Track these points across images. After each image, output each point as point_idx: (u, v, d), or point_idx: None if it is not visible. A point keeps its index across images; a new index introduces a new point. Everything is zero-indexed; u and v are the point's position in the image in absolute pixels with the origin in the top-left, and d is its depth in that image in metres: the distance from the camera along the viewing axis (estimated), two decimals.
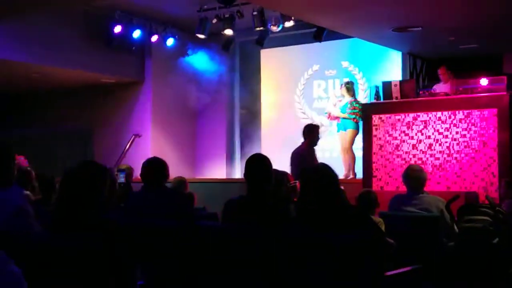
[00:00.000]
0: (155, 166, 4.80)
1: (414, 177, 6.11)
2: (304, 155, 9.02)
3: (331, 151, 12.58)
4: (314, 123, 9.77)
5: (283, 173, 5.95)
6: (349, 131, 10.54)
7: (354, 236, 3.61)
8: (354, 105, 10.45)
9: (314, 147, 9.41)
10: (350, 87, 10.80)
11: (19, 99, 15.17)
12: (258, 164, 4.37)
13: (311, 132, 9.38)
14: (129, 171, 7.21)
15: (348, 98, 10.69)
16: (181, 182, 6.93)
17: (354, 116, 10.41)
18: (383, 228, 5.43)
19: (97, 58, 12.50)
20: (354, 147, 10.73)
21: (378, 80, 10.47)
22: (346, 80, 11.39)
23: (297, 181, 5.27)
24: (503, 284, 5.68)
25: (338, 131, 10.98)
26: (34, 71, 12.32)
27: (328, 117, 11.18)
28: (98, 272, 3.11)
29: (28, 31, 11.20)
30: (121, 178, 6.79)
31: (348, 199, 6.20)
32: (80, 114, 14.27)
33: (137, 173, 5.55)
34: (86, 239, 3.16)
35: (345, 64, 13.14)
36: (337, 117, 10.82)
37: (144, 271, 4.19)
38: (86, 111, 14.19)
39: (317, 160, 9.11)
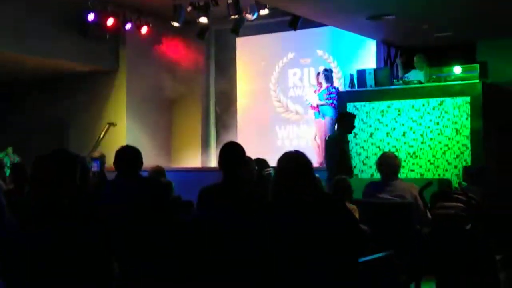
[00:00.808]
0: (128, 155, 4.76)
1: (387, 164, 6.17)
2: (337, 142, 8.75)
3: (307, 139, 12.62)
4: (348, 111, 9.48)
5: (260, 160, 5.97)
6: (327, 118, 10.57)
7: (330, 223, 3.63)
8: (331, 90, 10.52)
9: (347, 135, 8.99)
10: (328, 75, 10.89)
11: None
12: (232, 151, 4.37)
13: (343, 120, 8.89)
14: (102, 159, 7.14)
15: (326, 85, 10.77)
16: (158, 171, 6.89)
17: (331, 101, 10.45)
18: (357, 215, 5.46)
19: (71, 46, 12.37)
20: None
21: (353, 68, 10.51)
22: (323, 68, 11.43)
23: (271, 169, 5.29)
24: (475, 270, 5.75)
25: (316, 118, 11.04)
26: (7, 59, 12.16)
27: (312, 107, 11.24)
28: (80, 262, 3.11)
29: (0, 19, 11.04)
30: (95, 167, 6.72)
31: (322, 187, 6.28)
32: (55, 103, 14.10)
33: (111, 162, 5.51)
34: (55, 232, 3.15)
35: (320, 52, 13.16)
36: (317, 106, 10.92)
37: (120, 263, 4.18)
38: (61, 100, 14.03)
39: (346, 149, 8.80)
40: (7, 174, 8.16)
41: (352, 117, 8.80)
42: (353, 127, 8.80)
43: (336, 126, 8.80)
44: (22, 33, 11.43)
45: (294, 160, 3.80)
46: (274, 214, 3.78)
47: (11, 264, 3.11)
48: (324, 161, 8.51)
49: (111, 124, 13.21)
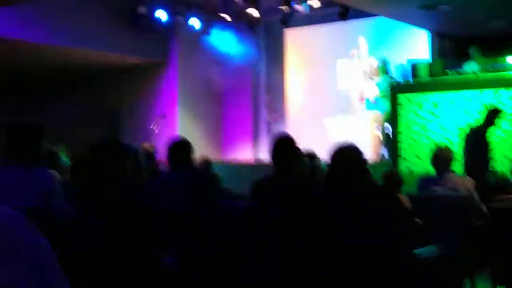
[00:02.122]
0: (181, 147, 4.77)
1: (441, 157, 6.05)
2: (482, 135, 8.11)
3: (356, 131, 12.51)
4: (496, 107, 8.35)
5: (310, 153, 5.95)
6: (383, 110, 10.47)
7: (381, 214, 3.60)
8: (390, 81, 10.41)
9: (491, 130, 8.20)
10: (385, 67, 10.81)
11: (46, 81, 15.26)
12: (284, 145, 4.35)
13: (491, 114, 8.12)
14: (152, 150, 7.20)
15: (382, 77, 10.68)
16: (206, 162, 6.93)
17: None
18: (408, 205, 5.40)
19: (122, 39, 12.52)
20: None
21: (404, 59, 10.36)
22: (380, 58, 11.32)
23: (319, 159, 5.26)
24: None
25: (371, 109, 10.99)
26: (61, 53, 12.37)
27: (360, 99, 11.17)
28: (117, 251, 3.14)
29: (53, 12, 11.23)
30: (148, 158, 6.77)
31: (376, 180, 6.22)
32: (107, 95, 14.34)
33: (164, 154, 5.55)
34: (109, 220, 3.19)
35: (371, 43, 13.01)
36: (367, 98, 10.86)
37: (172, 251, 4.21)
38: (113, 92, 14.26)
39: (489, 143, 8.13)
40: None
41: (499, 112, 8.12)
42: (494, 123, 8.10)
43: (484, 119, 8.02)
44: (73, 26, 11.61)
45: (346, 153, 3.77)
46: (325, 206, 3.76)
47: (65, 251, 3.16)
48: (466, 154, 7.84)
49: (162, 116, 13.34)
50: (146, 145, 7.72)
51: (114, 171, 3.35)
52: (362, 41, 13.12)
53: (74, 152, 6.66)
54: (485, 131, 7.90)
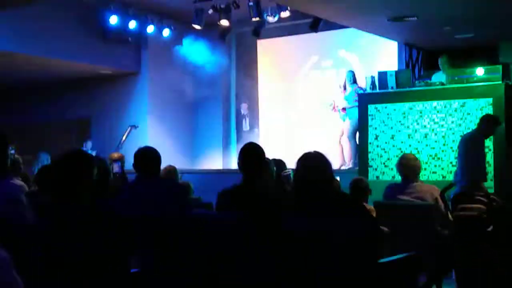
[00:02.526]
0: (149, 156, 4.77)
1: (408, 165, 6.13)
2: (476, 142, 7.89)
3: (327, 141, 12.60)
4: (493, 115, 8.23)
5: (279, 161, 5.97)
6: (354, 120, 10.56)
7: (349, 224, 3.63)
8: (359, 91, 10.51)
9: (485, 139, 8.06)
10: (352, 76, 10.95)
11: (17, 90, 15.16)
12: (251, 153, 4.38)
13: (487, 123, 7.92)
14: (122, 161, 7.17)
15: (352, 87, 10.80)
16: (171, 171, 6.87)
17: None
18: (374, 215, 5.45)
19: (94, 49, 12.50)
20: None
21: (374, 70, 10.47)
22: (349, 69, 11.46)
23: (290, 170, 5.29)
24: (497, 272, 5.71)
25: (343, 120, 11.09)
26: (32, 62, 12.31)
27: (333, 109, 11.26)
28: (94, 261, 3.15)
29: (25, 22, 11.19)
30: (116, 168, 6.74)
31: (344, 189, 6.27)
32: (77, 104, 14.29)
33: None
34: (71, 230, 3.20)
35: (341, 54, 13.14)
36: (343, 108, 10.97)
37: (140, 259, 4.21)
38: (84, 102, 14.21)
39: (484, 151, 7.99)
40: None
41: (497, 123, 7.96)
42: (492, 134, 8.03)
43: (478, 127, 7.90)
44: (46, 36, 11.58)
45: (312, 161, 3.80)
46: (291, 215, 3.78)
47: (30, 260, 3.16)
48: (460, 161, 7.70)
49: (133, 127, 13.31)
50: (115, 154, 7.69)
51: (81, 181, 3.36)
52: (333, 52, 13.25)
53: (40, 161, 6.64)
54: (482, 139, 7.84)
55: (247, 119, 13.53)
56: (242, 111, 13.64)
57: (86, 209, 3.33)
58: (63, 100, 14.45)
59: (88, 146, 13.09)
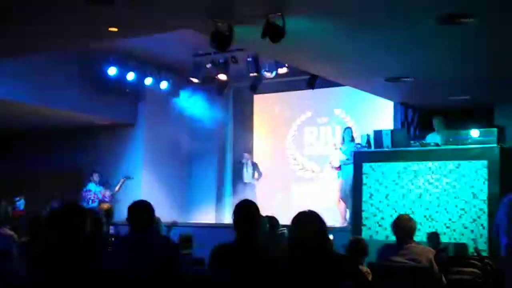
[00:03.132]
0: (142, 210, 4.73)
1: (403, 226, 6.08)
2: None
3: (322, 197, 12.58)
4: None
5: (273, 219, 5.94)
6: (351, 178, 10.48)
7: (341, 285, 3.59)
8: (358, 147, 10.47)
9: None
10: (349, 135, 10.96)
11: (12, 138, 15.17)
12: (246, 211, 4.35)
13: None
14: (109, 212, 7.16)
15: (352, 144, 10.78)
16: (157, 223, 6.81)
17: None
18: (370, 278, 5.39)
19: (91, 100, 12.55)
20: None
21: (370, 128, 10.51)
22: (346, 125, 11.49)
23: (285, 229, 5.26)
24: None
25: (338, 178, 11.03)
26: (29, 111, 12.35)
27: (332, 166, 11.24)
28: None
29: (24, 71, 11.25)
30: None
31: (338, 247, 6.22)
32: (72, 154, 14.27)
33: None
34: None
35: (337, 111, 13.23)
36: (339, 166, 10.95)
37: None
38: (79, 152, 14.20)
39: None
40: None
41: None
42: None
43: None
44: (43, 85, 11.65)
45: (307, 221, 3.79)
46: (286, 274, 3.75)
47: None
48: (498, 222, 7.41)
49: (127, 178, 13.28)
50: (105, 205, 7.69)
51: (74, 234, 3.36)
52: (329, 109, 13.34)
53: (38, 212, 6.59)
54: None
55: (249, 169, 13.30)
56: (243, 161, 13.42)
57: (78, 264, 3.30)
58: (58, 150, 14.45)
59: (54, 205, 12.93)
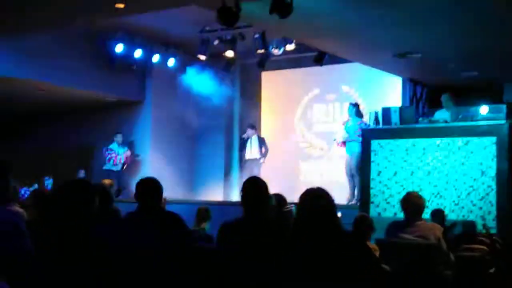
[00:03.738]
0: (150, 187, 4.71)
1: (412, 203, 6.06)
2: None
3: (330, 175, 12.57)
4: None
5: (280, 196, 5.91)
6: (356, 154, 10.44)
7: (349, 262, 3.58)
8: (362, 126, 10.40)
9: None
10: (356, 109, 10.82)
11: (22, 116, 15.20)
12: (254, 187, 4.34)
13: None
14: (110, 188, 7.18)
15: (355, 121, 10.67)
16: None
17: (361, 138, 10.30)
18: (377, 254, 5.38)
19: (99, 77, 12.53)
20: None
21: (378, 105, 10.46)
22: (353, 102, 11.33)
23: (292, 205, 5.24)
24: None
25: (348, 153, 10.93)
26: (37, 87, 12.34)
27: (338, 144, 11.17)
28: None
29: (31, 48, 11.23)
30: None
31: (346, 224, 6.21)
32: (81, 131, 14.30)
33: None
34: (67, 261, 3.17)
35: (345, 88, 13.16)
36: (344, 143, 10.85)
37: None
38: (87, 129, 14.22)
39: None
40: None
41: None
42: None
43: None
44: (52, 64, 11.63)
45: (315, 197, 3.76)
46: (293, 251, 3.74)
47: None
48: None
49: (136, 155, 13.29)
50: (106, 181, 7.71)
51: (81, 210, 3.35)
52: (337, 86, 13.27)
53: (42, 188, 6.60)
54: None
55: (254, 145, 13.21)
56: (244, 136, 13.34)
57: (86, 238, 3.30)
58: (67, 127, 14.47)
59: (81, 175, 13.04)
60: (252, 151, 12.98)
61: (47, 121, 14.92)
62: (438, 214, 7.55)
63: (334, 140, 11.37)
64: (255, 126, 13.35)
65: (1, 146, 14.29)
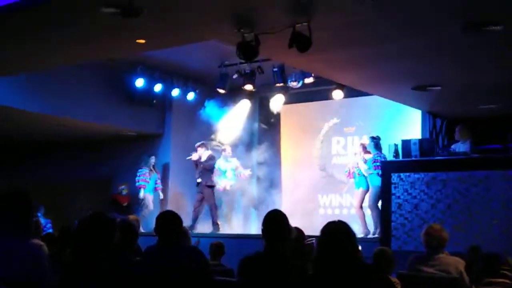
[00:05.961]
0: (169, 221, 4.72)
1: (434, 236, 6.01)
2: None
3: (350, 208, 12.51)
4: None
5: (299, 231, 5.89)
6: (375, 187, 10.38)
7: None
8: (377, 158, 10.36)
9: None
10: (377, 142, 10.75)
11: (42, 148, 15.36)
12: (275, 221, 4.34)
13: None
14: (137, 223, 7.22)
15: (373, 153, 10.61)
16: (184, 234, 6.81)
17: (378, 170, 10.25)
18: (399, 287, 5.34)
19: (119, 111, 12.66)
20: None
21: (398, 138, 10.42)
22: (373, 135, 11.27)
23: (314, 239, 5.23)
24: None
25: (357, 188, 10.91)
26: (57, 123, 12.48)
27: (348, 175, 11.17)
28: None
29: (52, 83, 11.41)
30: None
31: (366, 258, 6.16)
32: (100, 164, 14.40)
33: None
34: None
35: (364, 121, 13.15)
36: (350, 174, 10.86)
37: None
38: (106, 162, 14.31)
39: None
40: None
41: None
42: None
43: None
44: (72, 97, 11.76)
45: (336, 231, 3.76)
46: (314, 285, 3.73)
47: None
48: None
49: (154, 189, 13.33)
50: (131, 217, 7.74)
51: (102, 244, 3.40)
52: (356, 119, 13.27)
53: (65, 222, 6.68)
54: None
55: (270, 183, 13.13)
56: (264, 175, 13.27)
57: (105, 271, 3.34)
58: (86, 160, 14.59)
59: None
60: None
61: (68, 153, 15.05)
62: (474, 250, 7.46)
63: (346, 171, 11.35)
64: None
65: (22, 178, 14.44)
